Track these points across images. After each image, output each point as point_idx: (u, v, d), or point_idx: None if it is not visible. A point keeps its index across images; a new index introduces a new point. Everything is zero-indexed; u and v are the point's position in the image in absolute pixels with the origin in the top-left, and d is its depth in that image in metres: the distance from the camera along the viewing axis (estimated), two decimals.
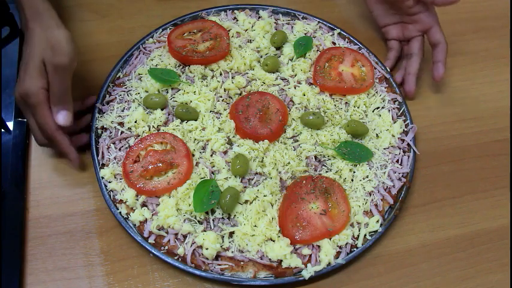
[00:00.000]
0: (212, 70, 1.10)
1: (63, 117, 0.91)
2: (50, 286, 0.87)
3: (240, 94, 1.07)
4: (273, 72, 1.11)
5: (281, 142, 1.01)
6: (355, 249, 0.90)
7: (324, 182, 0.95)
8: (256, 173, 0.96)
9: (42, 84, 0.88)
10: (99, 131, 1.00)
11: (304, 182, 0.95)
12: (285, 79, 1.11)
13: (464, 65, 1.24)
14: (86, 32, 1.19)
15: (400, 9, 1.09)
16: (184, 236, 0.89)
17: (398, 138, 1.04)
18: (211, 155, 0.98)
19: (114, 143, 0.99)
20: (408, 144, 1.04)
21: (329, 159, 1.00)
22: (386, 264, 0.93)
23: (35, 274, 0.88)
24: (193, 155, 0.97)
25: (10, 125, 1.03)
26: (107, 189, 0.93)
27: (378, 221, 0.93)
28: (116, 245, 0.92)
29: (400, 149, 1.03)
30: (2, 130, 1.02)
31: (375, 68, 1.14)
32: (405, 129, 1.06)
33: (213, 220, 0.91)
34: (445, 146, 1.10)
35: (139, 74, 1.08)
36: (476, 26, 1.33)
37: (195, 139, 0.99)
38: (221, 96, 1.06)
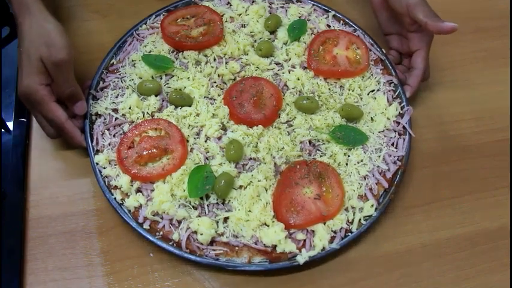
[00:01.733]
0: (206, 56, 1.09)
1: (79, 108, 0.96)
2: (50, 286, 0.87)
3: (234, 79, 1.07)
4: (267, 57, 1.10)
5: (275, 127, 1.00)
6: (349, 233, 0.90)
7: (318, 166, 0.94)
8: (251, 158, 0.96)
9: (40, 81, 0.88)
10: (93, 117, 1.00)
11: (298, 166, 0.94)
12: (279, 63, 1.10)
13: (464, 65, 1.22)
14: (86, 32, 1.19)
15: (401, 22, 1.08)
16: (179, 222, 0.89)
17: (393, 121, 1.03)
18: (206, 141, 0.98)
19: (108, 129, 0.99)
20: (404, 127, 1.03)
21: (323, 143, 0.99)
22: (387, 264, 0.92)
23: (35, 274, 0.88)
24: (187, 141, 0.97)
25: (10, 125, 1.03)
26: (102, 175, 0.93)
27: (372, 206, 0.92)
28: (116, 245, 0.92)
29: (395, 131, 1.02)
30: (2, 130, 1.02)
31: (370, 50, 1.12)
32: (401, 112, 1.05)
33: (207, 205, 0.91)
34: (445, 146, 1.08)
35: (133, 61, 1.07)
36: (476, 26, 1.30)
37: (189, 125, 0.99)
38: (215, 82, 1.06)
